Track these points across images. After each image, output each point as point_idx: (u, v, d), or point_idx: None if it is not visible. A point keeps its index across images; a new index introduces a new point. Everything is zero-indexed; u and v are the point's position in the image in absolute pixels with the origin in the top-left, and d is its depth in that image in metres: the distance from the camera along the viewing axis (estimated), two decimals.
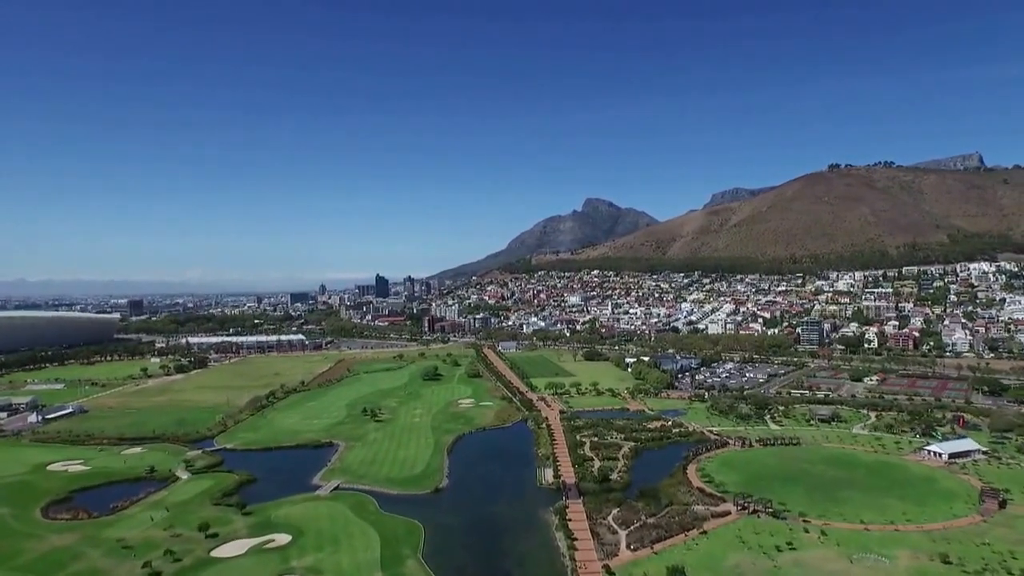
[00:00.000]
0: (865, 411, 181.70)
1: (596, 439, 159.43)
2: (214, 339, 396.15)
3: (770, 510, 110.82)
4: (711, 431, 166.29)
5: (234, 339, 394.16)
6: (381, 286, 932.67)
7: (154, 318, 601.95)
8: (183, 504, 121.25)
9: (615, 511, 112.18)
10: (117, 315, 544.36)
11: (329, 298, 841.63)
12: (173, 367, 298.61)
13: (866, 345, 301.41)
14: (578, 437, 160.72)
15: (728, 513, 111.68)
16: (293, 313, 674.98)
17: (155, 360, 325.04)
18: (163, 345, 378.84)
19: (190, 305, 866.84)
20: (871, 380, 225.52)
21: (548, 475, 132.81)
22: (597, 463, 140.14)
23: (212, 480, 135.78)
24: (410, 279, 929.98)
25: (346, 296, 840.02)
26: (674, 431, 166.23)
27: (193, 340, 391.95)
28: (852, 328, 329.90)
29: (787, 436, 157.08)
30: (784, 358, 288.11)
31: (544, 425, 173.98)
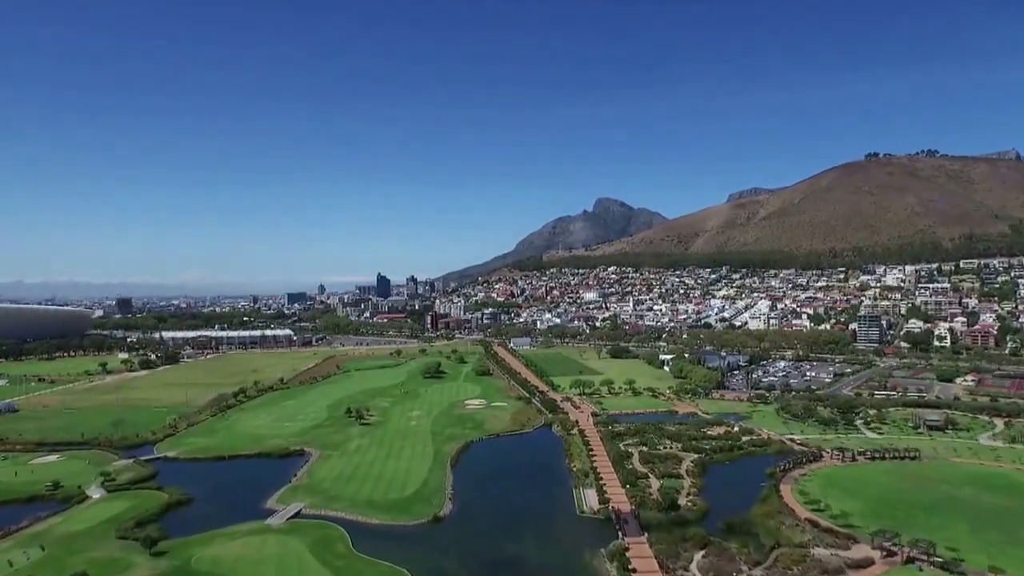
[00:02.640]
0: (985, 417, 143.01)
1: (646, 449, 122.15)
2: (190, 334, 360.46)
3: (936, 558, 73.28)
4: (792, 440, 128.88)
5: (212, 334, 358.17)
6: (382, 286, 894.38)
7: (139, 315, 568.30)
8: (73, 537, 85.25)
9: (699, 556, 75.43)
10: (100, 311, 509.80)
11: (328, 298, 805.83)
12: (138, 363, 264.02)
13: (937, 343, 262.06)
14: (621, 446, 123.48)
15: (870, 562, 74.58)
16: (287, 311, 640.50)
17: (123, 355, 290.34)
18: (134, 340, 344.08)
19: (183, 305, 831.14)
20: (966, 380, 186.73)
21: (590, 498, 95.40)
22: (655, 481, 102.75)
23: (131, 501, 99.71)
24: (413, 279, 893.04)
25: (346, 296, 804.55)
26: (744, 439, 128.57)
27: (168, 335, 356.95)
28: (918, 325, 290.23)
29: (900, 448, 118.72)
30: (844, 356, 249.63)
31: (575, 431, 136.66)
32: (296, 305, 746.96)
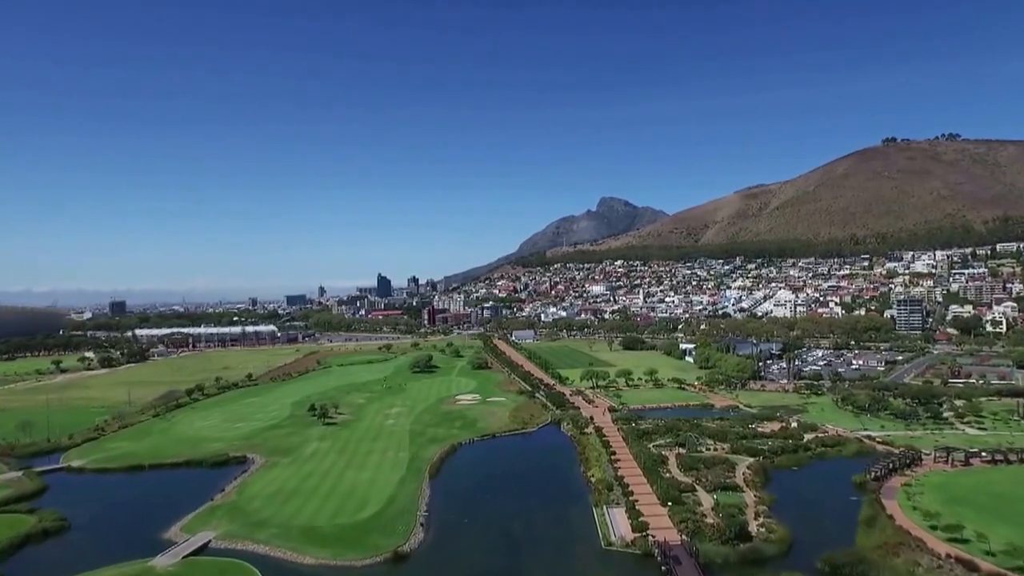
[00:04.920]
0: None
1: (684, 451, 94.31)
2: (165, 331, 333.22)
3: None
4: (870, 437, 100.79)
5: (189, 330, 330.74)
6: (383, 287, 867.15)
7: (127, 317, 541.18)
8: None
9: None
10: (88, 313, 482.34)
11: (327, 300, 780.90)
12: (97, 361, 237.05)
13: (991, 328, 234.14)
14: (652, 448, 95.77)
15: None
16: (281, 312, 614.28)
17: (89, 355, 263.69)
18: (102, 338, 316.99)
19: (181, 309, 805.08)
20: None
21: (619, 522, 67.33)
22: (705, 496, 74.78)
23: None
24: (414, 279, 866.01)
25: (345, 298, 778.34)
26: (808, 438, 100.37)
27: (142, 332, 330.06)
28: (966, 310, 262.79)
29: None
30: (889, 343, 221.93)
31: (590, 429, 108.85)
32: (295, 307, 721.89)
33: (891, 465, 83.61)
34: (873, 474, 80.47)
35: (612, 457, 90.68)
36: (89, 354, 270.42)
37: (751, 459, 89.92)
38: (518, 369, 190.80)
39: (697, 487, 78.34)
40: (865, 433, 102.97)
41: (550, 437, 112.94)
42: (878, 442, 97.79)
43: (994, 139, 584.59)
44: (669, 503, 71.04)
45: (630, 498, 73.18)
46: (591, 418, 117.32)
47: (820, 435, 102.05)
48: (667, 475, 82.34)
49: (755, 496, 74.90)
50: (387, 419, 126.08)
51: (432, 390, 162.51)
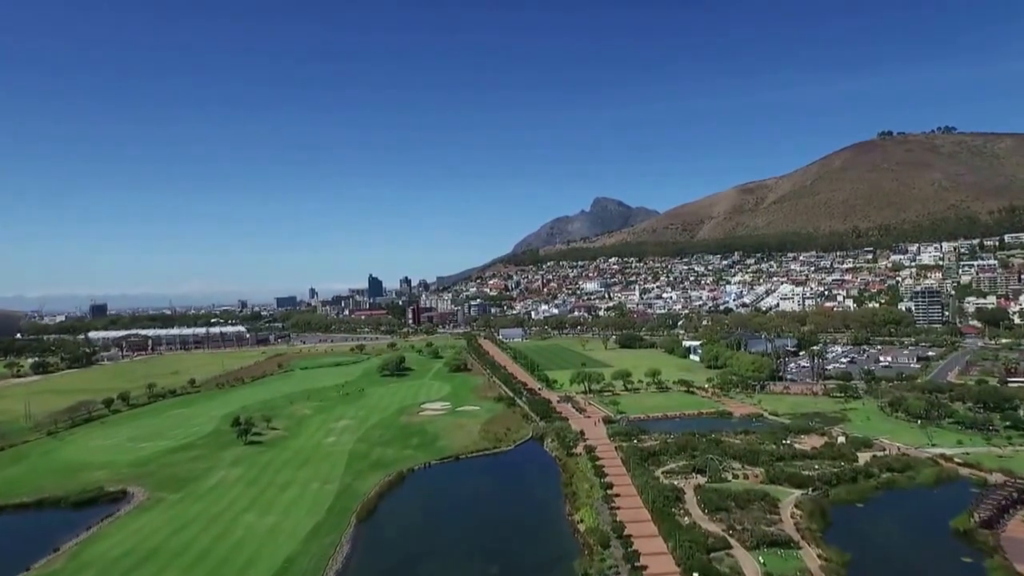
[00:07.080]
0: None
1: (705, 481, 70.26)
2: (122, 332, 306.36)
3: None
4: (946, 457, 77.25)
5: (147, 332, 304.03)
6: (374, 288, 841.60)
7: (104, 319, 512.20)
8: None
9: None
10: (62, 317, 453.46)
11: (316, 302, 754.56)
12: (29, 366, 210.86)
13: (1019, 320, 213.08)
14: (661, 475, 72.08)
15: None
16: (264, 313, 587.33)
17: (28, 360, 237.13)
18: (52, 340, 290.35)
19: (168, 312, 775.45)
20: None
21: None
22: (744, 556, 50.80)
23: None
24: (406, 280, 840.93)
25: (331, 299, 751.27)
26: (864, 458, 76.65)
27: (96, 335, 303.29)
28: (989, 302, 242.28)
29: None
30: (911, 337, 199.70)
31: (580, 449, 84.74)
32: (284, 309, 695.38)
33: (1002, 502, 59.94)
34: (979, 516, 56.92)
35: (608, 493, 66.46)
36: (30, 359, 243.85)
37: (797, 491, 66.27)
38: (500, 371, 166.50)
39: (732, 540, 54.34)
40: (938, 451, 79.42)
41: (529, 458, 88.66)
42: (958, 463, 74.38)
43: (990, 132, 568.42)
44: (695, 574, 47.00)
45: (636, 563, 49.09)
46: (581, 432, 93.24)
47: (879, 454, 78.41)
48: (686, 520, 58.39)
49: (819, 556, 50.91)
50: (328, 436, 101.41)
51: (396, 397, 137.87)
